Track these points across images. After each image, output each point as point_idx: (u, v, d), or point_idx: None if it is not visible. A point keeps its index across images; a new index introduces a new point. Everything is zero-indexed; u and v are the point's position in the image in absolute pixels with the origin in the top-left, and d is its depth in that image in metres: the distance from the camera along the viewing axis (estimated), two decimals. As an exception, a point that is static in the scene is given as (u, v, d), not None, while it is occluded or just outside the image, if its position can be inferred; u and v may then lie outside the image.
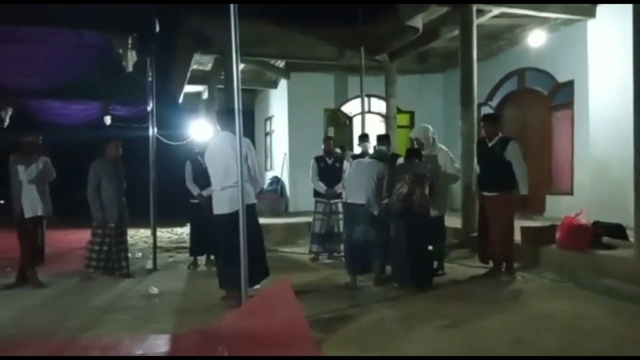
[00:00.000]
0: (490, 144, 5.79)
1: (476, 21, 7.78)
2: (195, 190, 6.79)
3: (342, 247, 6.74)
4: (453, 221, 7.42)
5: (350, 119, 12.54)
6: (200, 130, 13.20)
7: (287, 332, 3.55)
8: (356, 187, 5.51)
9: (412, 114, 12.72)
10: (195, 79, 12.48)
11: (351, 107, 12.41)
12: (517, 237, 6.14)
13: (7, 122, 11.80)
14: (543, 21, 8.85)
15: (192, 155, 7.11)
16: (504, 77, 10.56)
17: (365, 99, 10.69)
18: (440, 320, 4.21)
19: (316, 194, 7.33)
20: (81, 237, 7.30)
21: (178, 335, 3.97)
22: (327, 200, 7.19)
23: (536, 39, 9.03)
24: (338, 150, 7.74)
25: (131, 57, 7.04)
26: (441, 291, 5.30)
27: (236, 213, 4.15)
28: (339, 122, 12.60)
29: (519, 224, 6.17)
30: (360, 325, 4.14)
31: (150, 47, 7.00)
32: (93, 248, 6.15)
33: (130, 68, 7.14)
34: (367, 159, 5.88)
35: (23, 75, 7.98)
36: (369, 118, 11.16)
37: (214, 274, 5.26)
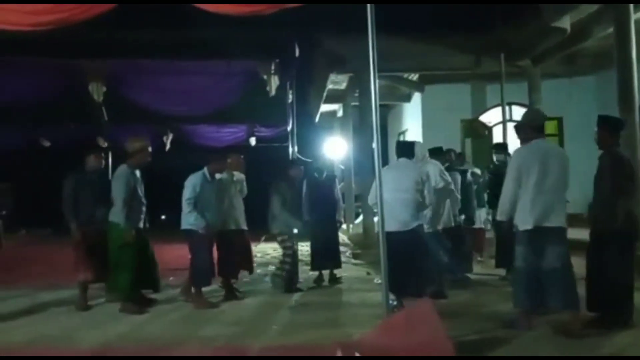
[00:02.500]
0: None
1: (634, 17, 7.00)
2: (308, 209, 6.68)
3: None
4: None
5: (489, 129, 11.98)
6: (335, 147, 13.68)
7: (429, 351, 3.47)
8: None
9: (559, 120, 11.79)
10: (331, 98, 12.89)
11: (490, 117, 11.85)
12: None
13: (168, 146, 13.26)
14: None
15: (310, 173, 6.97)
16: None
17: (506, 107, 10.16)
18: None
19: None
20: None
21: (320, 346, 4.07)
22: None
23: None
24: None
25: (274, 82, 7.53)
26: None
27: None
28: (477, 133, 12.09)
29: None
30: (509, 349, 3.88)
31: (290, 70, 7.43)
32: (285, 260, 6.24)
33: (273, 92, 7.63)
34: None
35: (181, 104, 8.96)
36: (511, 127, 10.56)
37: (352, 289, 5.26)
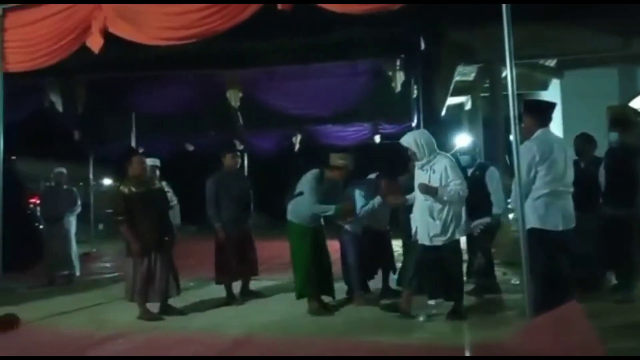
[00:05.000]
0: None
1: None
2: None
3: None
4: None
5: (642, 116, 10.73)
6: (464, 142, 13.17)
7: (579, 354, 3.24)
8: None
9: None
10: (458, 90, 12.45)
11: (642, 103, 10.62)
12: None
13: (297, 146, 13.81)
14: None
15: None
16: None
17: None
18: None
19: None
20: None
21: (459, 348, 3.97)
22: None
23: None
24: None
25: (399, 78, 7.47)
26: None
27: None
28: (629, 120, 10.86)
29: None
30: None
31: (416, 65, 7.32)
32: None
33: (399, 88, 7.58)
34: None
35: (309, 106, 9.28)
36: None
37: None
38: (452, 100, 13.75)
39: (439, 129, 13.12)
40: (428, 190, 4.67)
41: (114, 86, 8.43)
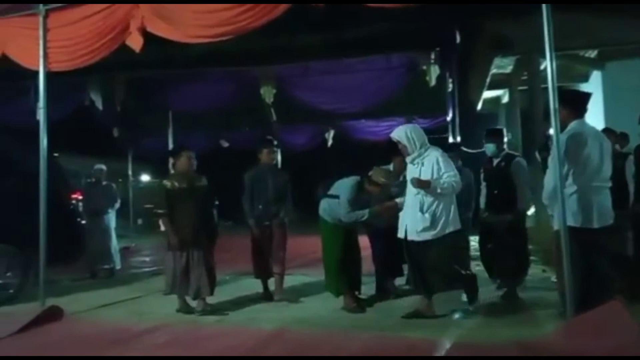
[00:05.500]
0: None
1: None
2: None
3: None
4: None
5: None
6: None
7: (624, 354, 3.14)
8: None
9: None
10: (495, 84, 12.19)
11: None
12: None
13: (330, 142, 13.81)
14: None
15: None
16: None
17: None
18: None
19: None
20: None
21: (499, 346, 3.90)
22: None
23: None
24: None
25: (434, 71, 7.36)
26: None
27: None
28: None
29: None
30: None
31: (451, 58, 7.20)
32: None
33: (433, 82, 7.47)
34: None
35: (342, 101, 9.26)
36: None
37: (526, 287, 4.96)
38: (488, 94, 13.49)
39: (475, 122, 12.94)
40: (420, 183, 4.58)
41: (151, 84, 8.61)
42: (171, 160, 5.62)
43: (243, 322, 4.99)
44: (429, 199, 4.57)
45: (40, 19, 5.38)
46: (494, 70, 11.20)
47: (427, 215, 4.57)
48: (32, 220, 5.37)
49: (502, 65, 11.36)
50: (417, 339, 4.15)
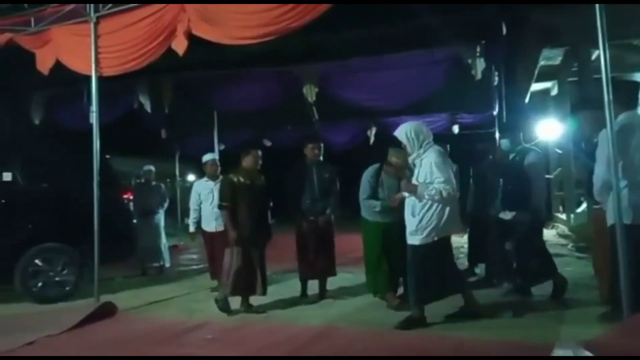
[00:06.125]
0: None
1: None
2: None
3: None
4: None
5: None
6: (550, 129, 12.48)
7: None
8: None
9: None
10: (543, 76, 11.83)
11: None
12: None
13: (372, 139, 13.70)
14: None
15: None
16: None
17: None
18: None
19: None
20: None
21: (548, 345, 3.78)
22: None
23: None
24: None
25: (479, 65, 7.17)
26: None
27: None
28: None
29: None
30: None
31: (497, 51, 7.00)
32: None
33: (479, 76, 7.28)
34: None
35: (385, 98, 9.13)
36: None
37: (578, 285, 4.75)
38: (536, 86, 13.10)
39: (523, 116, 12.56)
40: (408, 187, 4.51)
41: (197, 85, 8.78)
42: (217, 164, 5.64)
43: (290, 319, 5.03)
44: (420, 203, 4.43)
45: (92, 25, 5.60)
46: (542, 62, 10.88)
47: (416, 219, 4.45)
48: (86, 220, 5.60)
49: (551, 56, 11.01)
50: (467, 339, 4.08)
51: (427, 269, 4.46)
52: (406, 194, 4.61)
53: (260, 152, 5.59)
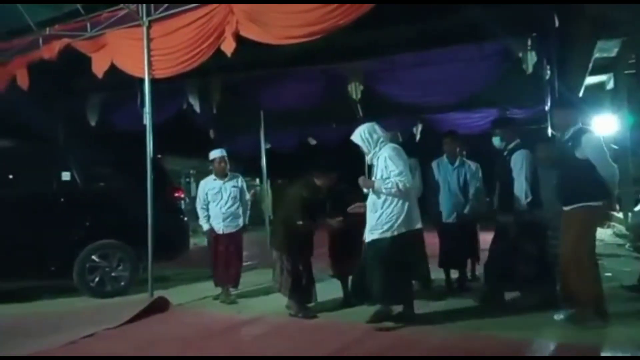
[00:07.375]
0: None
1: None
2: None
3: None
4: None
5: None
6: (606, 124, 11.96)
7: None
8: None
9: None
10: (597, 69, 11.33)
11: None
12: None
13: (418, 136, 13.53)
14: None
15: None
16: None
17: None
18: None
19: None
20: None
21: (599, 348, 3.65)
22: None
23: None
24: None
25: (531, 58, 6.96)
26: None
27: None
28: None
29: None
30: None
31: (549, 44, 6.77)
32: None
33: (530, 70, 7.07)
34: None
35: (431, 94, 9.01)
36: None
37: None
38: (591, 80, 12.58)
39: (576, 111, 12.06)
40: (365, 183, 4.57)
41: (244, 85, 8.92)
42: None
43: (335, 316, 5.04)
44: (381, 199, 4.49)
45: (144, 29, 5.78)
46: (597, 55, 10.42)
47: (377, 214, 4.50)
48: (141, 218, 5.79)
49: (606, 48, 10.54)
50: (514, 340, 3.99)
51: (388, 264, 4.40)
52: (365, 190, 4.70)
53: (335, 176, 5.34)
